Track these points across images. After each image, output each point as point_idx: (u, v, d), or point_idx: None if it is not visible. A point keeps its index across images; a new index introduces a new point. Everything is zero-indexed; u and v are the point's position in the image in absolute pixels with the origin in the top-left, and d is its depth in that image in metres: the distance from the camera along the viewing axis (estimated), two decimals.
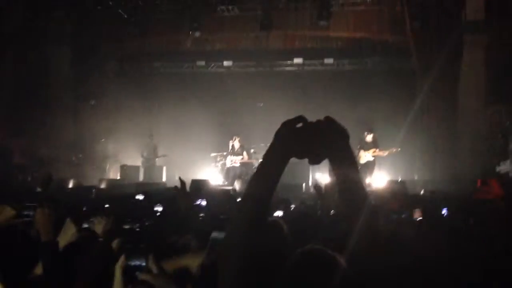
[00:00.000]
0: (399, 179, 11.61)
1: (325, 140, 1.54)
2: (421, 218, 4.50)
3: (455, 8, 12.10)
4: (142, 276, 2.49)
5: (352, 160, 1.59)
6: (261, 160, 1.63)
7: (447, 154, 11.67)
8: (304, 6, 13.77)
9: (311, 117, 1.58)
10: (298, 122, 1.55)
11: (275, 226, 3.02)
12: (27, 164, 12.59)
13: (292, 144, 1.54)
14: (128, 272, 2.65)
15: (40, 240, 2.82)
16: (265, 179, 1.58)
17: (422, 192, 9.44)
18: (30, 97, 13.15)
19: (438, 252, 3.07)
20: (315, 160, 1.57)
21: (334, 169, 1.58)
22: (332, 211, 4.53)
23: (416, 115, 11.78)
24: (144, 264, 2.70)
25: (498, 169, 10.39)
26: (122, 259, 2.62)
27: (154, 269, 2.50)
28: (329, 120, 1.57)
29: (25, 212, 3.49)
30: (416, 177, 11.88)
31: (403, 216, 4.49)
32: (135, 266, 2.73)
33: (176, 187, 3.67)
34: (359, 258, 1.54)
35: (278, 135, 1.56)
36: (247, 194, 1.60)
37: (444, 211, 5.26)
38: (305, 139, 1.53)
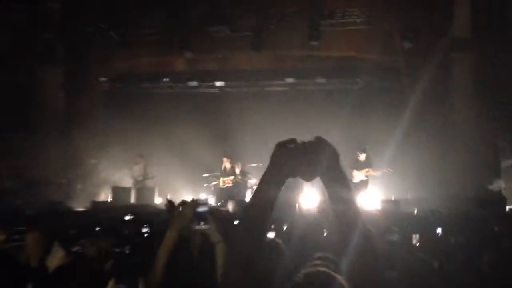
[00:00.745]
0: (393, 198, 11.59)
1: (315, 159, 1.57)
2: (415, 238, 4.47)
3: (444, 27, 12.26)
4: None
5: (343, 179, 1.63)
6: (256, 182, 1.66)
7: (439, 172, 11.71)
8: (294, 27, 13.84)
9: (304, 137, 1.62)
10: (290, 144, 1.60)
11: (273, 247, 3.00)
12: (16, 187, 12.43)
13: (286, 165, 1.58)
14: None
15: (29, 264, 2.77)
16: (263, 201, 1.61)
17: (415, 211, 9.43)
18: (19, 117, 13.06)
19: (433, 273, 3.05)
20: (307, 179, 1.62)
21: (326, 188, 1.62)
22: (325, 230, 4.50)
23: (407, 133, 11.82)
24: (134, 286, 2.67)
25: (490, 187, 10.44)
26: (111, 283, 2.59)
27: None
28: (319, 140, 1.61)
29: (15, 237, 3.44)
30: (409, 196, 11.88)
31: (397, 236, 4.46)
32: None
33: (167, 205, 3.64)
34: (356, 280, 1.54)
35: (273, 157, 1.61)
36: (245, 216, 1.62)
37: (439, 231, 5.23)
38: (297, 159, 1.57)
